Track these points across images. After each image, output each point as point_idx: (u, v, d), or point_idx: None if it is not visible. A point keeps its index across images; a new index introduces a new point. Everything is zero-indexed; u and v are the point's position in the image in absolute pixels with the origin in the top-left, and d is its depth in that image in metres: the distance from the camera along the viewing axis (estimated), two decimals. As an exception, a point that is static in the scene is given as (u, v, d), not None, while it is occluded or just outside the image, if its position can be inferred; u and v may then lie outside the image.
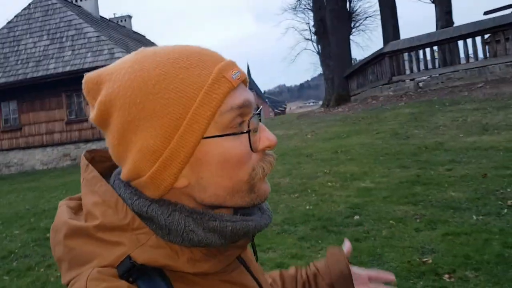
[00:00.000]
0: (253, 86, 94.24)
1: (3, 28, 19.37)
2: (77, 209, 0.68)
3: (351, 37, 35.22)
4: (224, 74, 0.62)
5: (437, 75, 14.72)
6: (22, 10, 19.64)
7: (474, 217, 4.50)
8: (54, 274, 4.52)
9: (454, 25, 15.92)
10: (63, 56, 17.61)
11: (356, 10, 33.83)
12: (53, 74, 17.04)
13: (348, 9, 32.27)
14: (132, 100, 0.60)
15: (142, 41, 25.87)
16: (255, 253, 0.79)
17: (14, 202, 9.56)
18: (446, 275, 3.34)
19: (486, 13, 18.53)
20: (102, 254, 0.60)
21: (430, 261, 3.59)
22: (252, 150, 0.64)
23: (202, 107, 0.60)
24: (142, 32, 28.85)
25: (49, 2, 19.56)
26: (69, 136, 17.47)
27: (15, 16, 19.55)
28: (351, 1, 32.39)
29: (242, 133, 0.63)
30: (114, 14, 27.18)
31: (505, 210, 4.56)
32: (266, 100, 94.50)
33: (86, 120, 17.25)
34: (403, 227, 4.46)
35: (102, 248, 0.61)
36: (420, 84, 15.17)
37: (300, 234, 4.61)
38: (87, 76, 0.66)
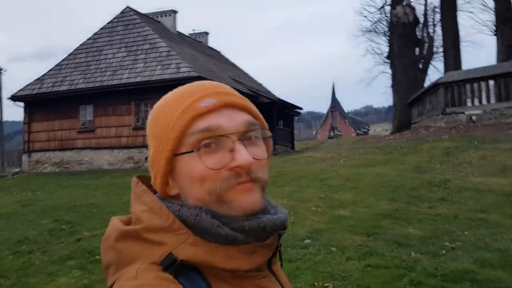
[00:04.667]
0: (336, 105, 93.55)
1: (89, 39, 21.64)
2: (127, 223, 0.77)
3: (432, 62, 34.36)
4: (193, 103, 0.74)
5: (490, 110, 14.25)
6: (106, 23, 21.81)
7: (412, 254, 4.74)
8: (41, 259, 5.44)
9: (516, 60, 15.27)
10: (136, 68, 19.29)
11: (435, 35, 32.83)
12: (125, 83, 18.72)
13: (424, 34, 31.57)
14: (148, 124, 0.80)
15: (215, 56, 27.34)
16: (280, 258, 0.82)
17: (62, 196, 10.89)
18: (331, 300, 3.71)
19: None
20: (147, 253, 0.70)
21: (331, 286, 3.96)
22: (207, 167, 0.71)
23: (171, 131, 0.73)
24: (218, 49, 30.24)
25: (130, 18, 21.53)
26: (135, 140, 18.99)
27: (100, 29, 21.74)
28: (427, 27, 31.60)
29: (191, 152, 0.73)
30: (193, 30, 29.00)
31: (443, 251, 4.74)
32: (346, 120, 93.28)
33: (150, 127, 18.72)
34: (339, 254, 4.81)
35: (147, 248, 0.70)
36: (473, 118, 14.76)
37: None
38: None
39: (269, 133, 0.81)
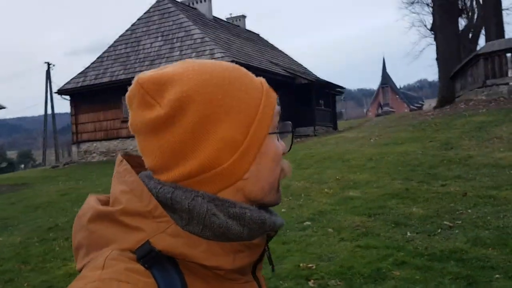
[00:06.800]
0: (388, 81, 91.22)
1: (127, 30, 22.28)
2: (105, 202, 0.71)
3: (483, 32, 32.59)
4: (268, 87, 0.74)
5: (534, 80, 13.48)
6: (143, 13, 22.35)
7: (408, 234, 4.72)
8: (61, 245, 5.86)
9: None
10: (173, 56, 19.72)
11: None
12: (162, 72, 19.21)
13: (473, 2, 30.01)
14: (213, 96, 0.65)
15: (252, 39, 27.35)
16: (270, 261, 0.80)
17: (102, 184, 11.49)
18: (312, 281, 3.80)
19: None
20: (122, 238, 0.64)
21: (314, 267, 4.05)
22: (282, 150, 0.73)
23: (267, 107, 0.70)
24: (257, 31, 30.26)
25: (165, 6, 21.93)
26: (174, 127, 19.51)
27: (137, 19, 22.32)
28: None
29: (291, 132, 0.77)
30: (230, 14, 29.12)
31: (439, 231, 4.69)
32: (397, 96, 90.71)
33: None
34: (334, 235, 4.86)
35: (123, 232, 0.64)
36: (516, 89, 14.03)
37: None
38: (143, 77, 0.68)
39: None
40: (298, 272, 3.98)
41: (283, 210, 6.03)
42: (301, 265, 4.13)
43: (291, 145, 0.77)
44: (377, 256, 4.17)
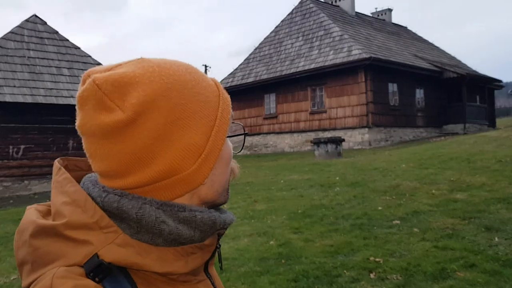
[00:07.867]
0: None
1: (271, 32, 23.51)
2: (46, 213, 0.68)
3: None
4: (221, 87, 0.73)
5: None
6: (286, 15, 23.34)
7: (496, 239, 4.54)
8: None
9: None
10: (311, 55, 20.31)
11: None
12: (301, 71, 19.93)
13: None
14: (177, 101, 0.63)
15: (398, 33, 26.46)
16: (220, 260, 0.80)
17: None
18: (374, 273, 3.98)
19: None
20: (69, 253, 0.60)
21: (382, 261, 4.20)
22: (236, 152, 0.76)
23: (224, 111, 0.69)
24: (406, 24, 29.11)
25: (308, 7, 22.60)
26: (311, 124, 20.13)
27: (281, 21, 23.41)
28: None
29: (245, 134, 0.80)
30: (375, 8, 28.57)
31: (531, 238, 4.41)
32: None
33: (325, 111, 19.58)
34: (417, 235, 4.87)
35: (69, 247, 0.61)
36: None
37: (339, 226, 5.52)
38: (100, 77, 0.62)
39: None
40: (364, 264, 4.18)
41: (379, 208, 6.14)
42: (370, 258, 4.31)
43: (242, 147, 0.83)
44: (449, 257, 4.14)
